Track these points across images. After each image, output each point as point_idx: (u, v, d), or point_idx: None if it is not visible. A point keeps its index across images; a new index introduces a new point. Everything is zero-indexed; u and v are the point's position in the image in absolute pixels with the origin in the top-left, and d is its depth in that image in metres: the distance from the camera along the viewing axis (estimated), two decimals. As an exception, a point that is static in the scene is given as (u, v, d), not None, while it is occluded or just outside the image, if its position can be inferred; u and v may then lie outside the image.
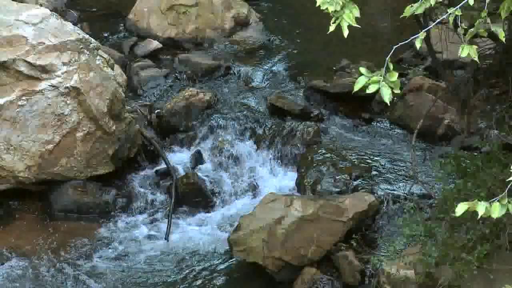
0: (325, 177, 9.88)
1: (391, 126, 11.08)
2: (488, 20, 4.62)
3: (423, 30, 4.59)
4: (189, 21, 13.11)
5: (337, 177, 9.86)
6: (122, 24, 13.45)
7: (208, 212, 10.11)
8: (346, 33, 4.52)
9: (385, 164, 10.27)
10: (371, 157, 10.41)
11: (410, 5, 4.66)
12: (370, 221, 9.20)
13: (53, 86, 9.59)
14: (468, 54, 4.52)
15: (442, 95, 9.96)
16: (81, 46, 9.81)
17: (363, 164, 10.19)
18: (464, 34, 4.61)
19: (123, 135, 10.18)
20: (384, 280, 8.02)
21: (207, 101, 11.18)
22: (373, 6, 13.83)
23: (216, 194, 10.29)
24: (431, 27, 5.12)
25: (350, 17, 4.49)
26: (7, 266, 9.06)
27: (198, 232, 9.79)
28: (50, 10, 10.37)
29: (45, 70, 9.58)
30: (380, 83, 4.40)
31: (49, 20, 9.88)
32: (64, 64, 9.64)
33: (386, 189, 9.74)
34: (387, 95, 4.41)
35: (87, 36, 10.07)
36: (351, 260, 8.61)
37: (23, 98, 9.55)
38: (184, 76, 11.97)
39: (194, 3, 13.18)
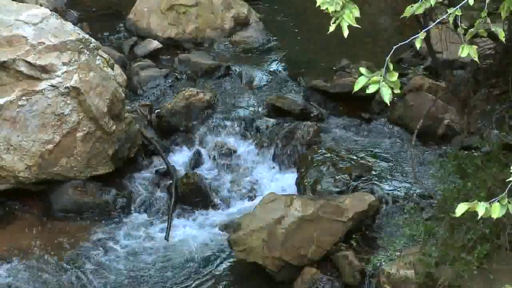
0: (325, 177, 9.88)
1: (391, 126, 11.08)
2: (488, 20, 4.61)
3: (423, 30, 4.59)
4: (189, 21, 13.12)
5: (337, 177, 9.86)
6: (122, 24, 13.46)
7: (208, 212, 10.10)
8: (346, 33, 4.51)
9: (385, 164, 10.27)
10: (371, 157, 10.41)
11: (410, 5, 4.66)
12: (370, 221, 9.19)
13: (53, 86, 9.59)
14: (468, 54, 4.52)
15: (442, 95, 9.96)
16: (81, 46, 9.82)
17: (363, 164, 10.19)
18: (464, 34, 4.61)
19: (123, 135, 10.18)
20: (384, 280, 8.02)
21: (207, 101, 11.19)
22: (373, 6, 13.84)
23: (216, 194, 10.29)
24: (431, 27, 5.11)
25: (350, 17, 4.49)
26: (7, 266, 9.06)
27: (198, 232, 9.79)
28: (50, 10, 10.37)
29: (45, 70, 9.58)
30: (380, 83, 4.40)
31: (49, 20, 9.88)
32: (64, 64, 9.64)
33: (386, 189, 9.74)
34: (387, 95, 4.41)
35: (87, 36, 10.08)
36: (351, 260, 8.61)
37: (23, 98, 9.55)
38: (184, 76, 11.98)
39: (194, 3, 13.19)
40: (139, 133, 10.55)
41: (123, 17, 13.53)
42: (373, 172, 10.09)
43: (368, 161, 10.30)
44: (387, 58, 4.43)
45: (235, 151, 10.73)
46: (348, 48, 12.16)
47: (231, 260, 9.23)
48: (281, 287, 8.85)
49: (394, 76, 4.43)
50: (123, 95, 10.38)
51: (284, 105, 11.21)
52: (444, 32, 7.62)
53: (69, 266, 9.14)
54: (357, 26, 4.53)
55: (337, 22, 4.52)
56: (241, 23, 13.37)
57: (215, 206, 10.17)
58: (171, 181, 10.21)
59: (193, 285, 8.99)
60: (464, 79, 8.22)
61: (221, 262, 9.30)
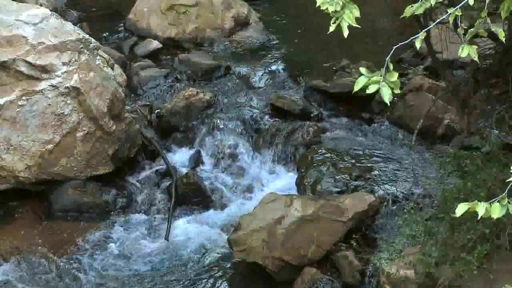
0: (325, 177, 9.88)
1: (391, 126, 11.08)
2: (488, 20, 4.61)
3: (423, 30, 4.59)
4: (189, 21, 13.12)
5: (337, 177, 9.86)
6: (122, 24, 13.46)
7: (208, 212, 10.11)
8: (346, 33, 4.51)
9: (385, 164, 10.27)
10: (371, 157, 10.41)
11: (410, 5, 4.66)
12: (370, 221, 9.20)
13: (53, 86, 9.59)
14: (468, 54, 4.51)
15: (442, 95, 9.96)
16: (81, 46, 9.81)
17: (363, 164, 10.19)
18: (464, 34, 4.61)
19: (123, 135, 10.18)
20: (384, 280, 8.02)
21: (207, 101, 11.19)
22: (373, 6, 13.84)
23: (216, 194, 10.29)
24: (431, 27, 5.11)
25: (350, 17, 4.49)
26: (7, 266, 9.06)
27: (198, 232, 9.79)
28: (50, 10, 10.37)
29: (45, 70, 9.59)
30: (380, 83, 4.40)
31: (49, 20, 9.88)
32: (64, 64, 9.64)
33: (386, 189, 9.73)
34: (387, 95, 4.40)
35: (87, 36, 10.08)
36: (351, 260, 8.62)
37: (23, 98, 9.55)
38: (184, 76, 11.97)
39: (194, 3, 13.19)
40: (139, 133, 10.55)
41: (123, 17, 13.53)
42: (373, 172, 10.09)
43: (368, 161, 10.30)
44: (387, 58, 4.43)
45: (235, 151, 10.73)
46: (348, 48, 12.16)
47: (231, 260, 9.23)
48: (281, 287, 8.85)
49: (394, 76, 4.42)
50: (123, 95, 10.38)
51: (284, 105, 11.21)
52: (444, 32, 7.62)
53: (69, 266, 9.14)
54: (357, 26, 4.53)
55: (337, 22, 4.52)
56: (241, 23, 13.37)
57: (215, 206, 10.17)
58: (171, 181, 10.21)
59: (193, 285, 8.99)
60: (464, 79, 8.22)
61: (221, 262, 9.30)
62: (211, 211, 10.12)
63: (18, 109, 9.56)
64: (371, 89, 4.42)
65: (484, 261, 7.23)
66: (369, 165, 10.21)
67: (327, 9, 4.50)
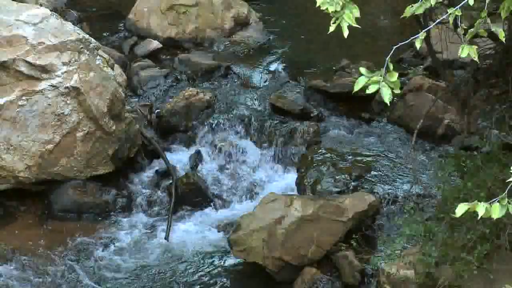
0: (325, 177, 9.89)
1: (391, 126, 11.08)
2: (488, 20, 4.62)
3: (423, 30, 4.59)
4: (189, 21, 13.11)
5: (337, 177, 9.87)
6: (122, 24, 13.44)
7: (208, 212, 10.11)
8: (346, 33, 4.51)
9: (385, 164, 10.28)
10: (371, 157, 10.41)
11: (410, 5, 4.66)
12: (370, 221, 9.20)
13: (53, 86, 9.59)
14: (468, 54, 4.51)
15: (442, 95, 9.96)
16: (81, 46, 9.81)
17: (363, 164, 10.19)
18: (464, 34, 4.61)
19: (123, 135, 10.18)
20: (384, 280, 8.02)
21: (207, 101, 11.19)
22: (373, 6, 13.84)
23: (216, 194, 10.29)
24: (431, 27, 5.11)
25: (350, 18, 4.49)
26: (7, 266, 9.06)
27: (198, 232, 9.79)
28: (50, 10, 10.37)
29: (45, 70, 9.59)
30: (380, 83, 4.40)
31: (49, 20, 9.88)
32: (64, 64, 9.64)
33: (386, 189, 9.74)
34: (387, 95, 4.40)
35: (87, 36, 10.08)
36: (351, 260, 8.62)
37: (23, 98, 9.55)
38: (184, 76, 11.97)
39: (194, 3, 13.18)
40: (139, 133, 10.55)
41: (123, 17, 13.51)
42: (373, 172, 10.09)
43: (368, 161, 10.30)
44: (387, 58, 4.43)
45: (235, 151, 10.73)
46: (348, 48, 12.15)
47: (231, 260, 9.23)
48: (281, 287, 8.85)
49: (394, 76, 4.42)
50: (123, 95, 10.38)
51: (284, 105, 11.21)
52: (444, 32, 7.62)
53: (69, 266, 9.14)
54: (357, 26, 4.53)
55: (337, 22, 4.52)
56: (241, 23, 13.36)
57: (215, 206, 10.17)
58: (171, 181, 10.21)
59: (193, 285, 8.99)
60: (464, 79, 8.22)
61: (221, 262, 9.30)
62: (211, 211, 10.12)
63: (18, 109, 9.56)
64: (371, 89, 4.42)
65: (484, 261, 7.23)
66: (369, 165, 10.21)
67: (327, 9, 4.50)
